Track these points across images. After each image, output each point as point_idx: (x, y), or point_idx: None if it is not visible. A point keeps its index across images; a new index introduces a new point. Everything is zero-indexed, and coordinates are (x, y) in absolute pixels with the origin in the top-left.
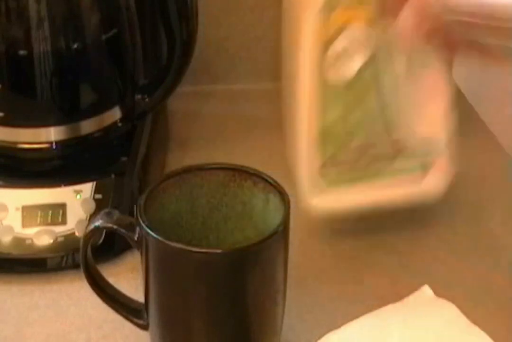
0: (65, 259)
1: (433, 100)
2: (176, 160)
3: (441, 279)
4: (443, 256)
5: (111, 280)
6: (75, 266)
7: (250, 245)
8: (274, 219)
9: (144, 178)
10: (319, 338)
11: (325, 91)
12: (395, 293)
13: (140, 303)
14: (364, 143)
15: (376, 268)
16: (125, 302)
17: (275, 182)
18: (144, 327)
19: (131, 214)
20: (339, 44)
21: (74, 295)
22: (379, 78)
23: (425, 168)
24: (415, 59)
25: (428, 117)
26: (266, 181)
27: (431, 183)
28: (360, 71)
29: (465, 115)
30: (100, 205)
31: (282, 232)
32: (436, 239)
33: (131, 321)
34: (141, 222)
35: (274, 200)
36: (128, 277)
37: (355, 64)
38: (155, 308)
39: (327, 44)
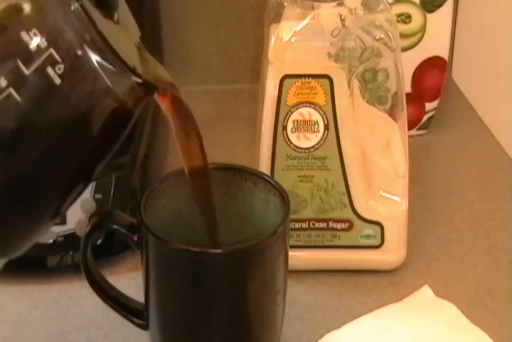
0: (65, 259)
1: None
2: (176, 160)
3: (441, 279)
4: (443, 256)
5: (111, 280)
6: (75, 266)
7: (250, 245)
8: (274, 219)
9: (144, 178)
10: (319, 338)
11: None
12: (395, 293)
13: (140, 303)
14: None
15: None
16: (125, 302)
17: (275, 181)
18: (144, 327)
19: (131, 214)
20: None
21: (74, 295)
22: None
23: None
24: None
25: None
26: (266, 180)
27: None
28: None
29: (465, 115)
30: (100, 205)
31: (282, 232)
32: (436, 239)
33: (131, 321)
34: (141, 222)
35: (274, 200)
36: (128, 277)
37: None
38: (155, 308)
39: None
